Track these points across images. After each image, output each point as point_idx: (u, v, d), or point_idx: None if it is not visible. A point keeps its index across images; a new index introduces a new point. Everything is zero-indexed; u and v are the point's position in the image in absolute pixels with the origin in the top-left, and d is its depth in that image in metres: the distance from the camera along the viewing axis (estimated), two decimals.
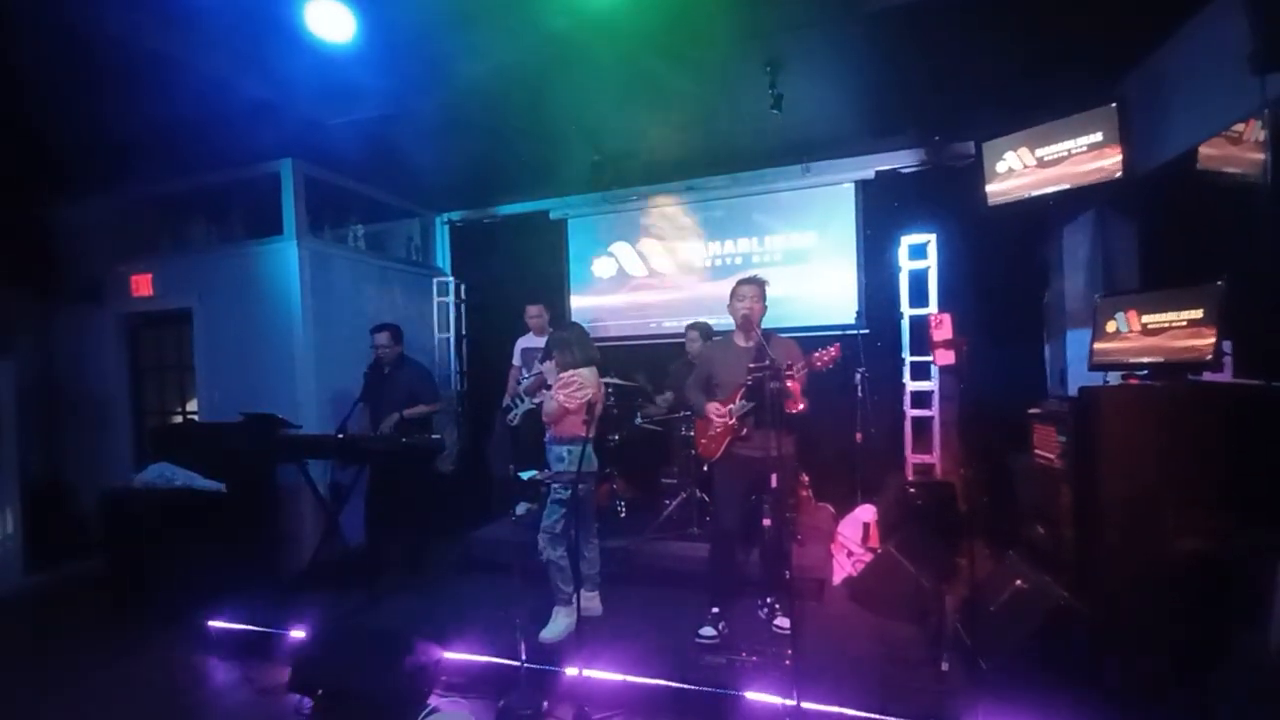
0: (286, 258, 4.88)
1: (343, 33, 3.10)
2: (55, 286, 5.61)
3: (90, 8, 2.98)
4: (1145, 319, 3.00)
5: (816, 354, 2.99)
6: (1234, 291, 2.69)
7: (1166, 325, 2.90)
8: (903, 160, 5.05)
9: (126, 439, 5.69)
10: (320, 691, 2.76)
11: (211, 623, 3.62)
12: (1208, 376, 2.76)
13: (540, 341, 5.01)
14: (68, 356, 5.76)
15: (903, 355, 4.93)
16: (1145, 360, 2.98)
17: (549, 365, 3.44)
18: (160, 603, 3.84)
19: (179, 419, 5.77)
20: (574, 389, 3.29)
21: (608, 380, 4.56)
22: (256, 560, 4.33)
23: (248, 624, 3.56)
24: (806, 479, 4.75)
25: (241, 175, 5.03)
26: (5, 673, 3.33)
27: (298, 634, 3.36)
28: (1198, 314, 2.78)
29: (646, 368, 5.23)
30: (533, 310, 5.08)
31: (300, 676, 2.82)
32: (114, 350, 5.69)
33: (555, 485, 3.28)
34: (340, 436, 3.92)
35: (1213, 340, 2.70)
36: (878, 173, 5.12)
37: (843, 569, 4.06)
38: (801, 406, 3.02)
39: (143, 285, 5.48)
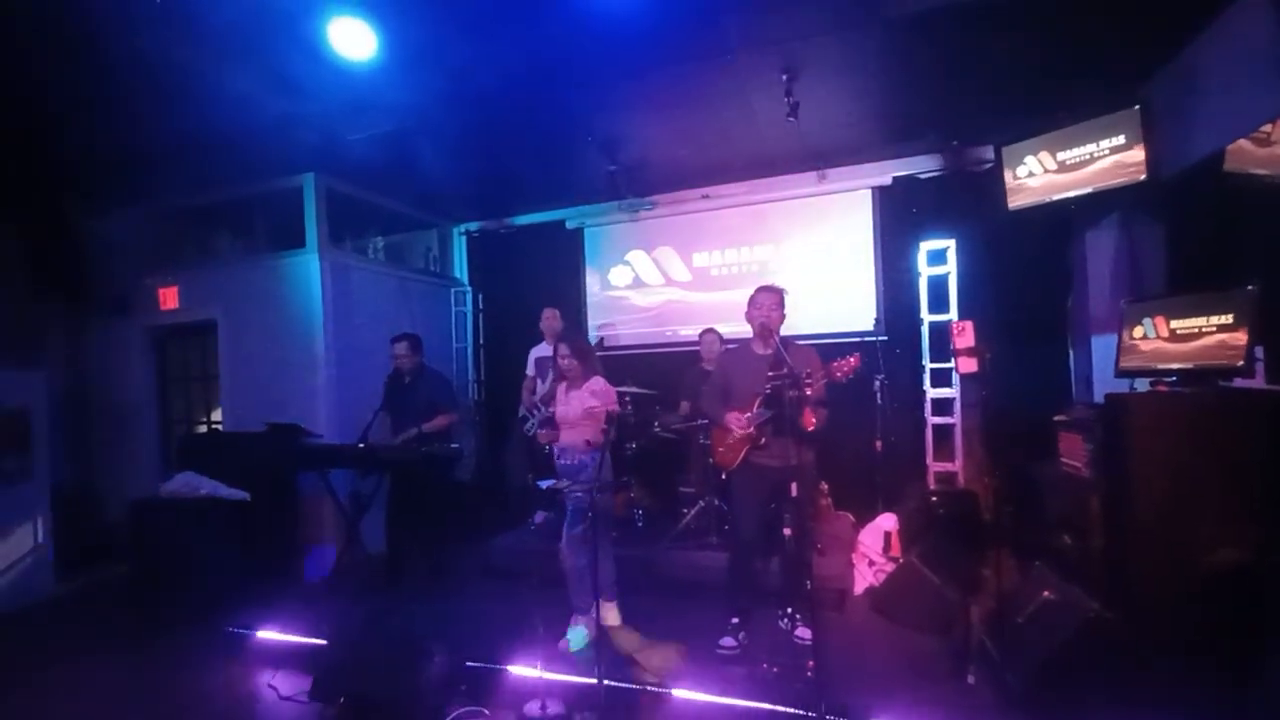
0: (309, 270, 4.97)
1: (365, 49, 3.17)
2: (85, 299, 5.74)
3: (119, 25, 3.05)
4: (1174, 324, 2.95)
5: (835, 364, 2.96)
6: (1266, 296, 2.64)
7: (1196, 331, 2.84)
8: (921, 166, 5.01)
9: (153, 448, 5.81)
10: (342, 699, 2.78)
11: (235, 629, 3.67)
12: (1239, 383, 2.70)
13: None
14: (97, 367, 5.89)
15: (923, 362, 4.88)
16: (1174, 366, 2.92)
17: (570, 364, 3.39)
18: (185, 609, 3.89)
19: (204, 429, 5.87)
20: (611, 394, 3.37)
21: (626, 389, 4.57)
22: (279, 568, 4.39)
23: (270, 631, 3.60)
24: (826, 487, 4.70)
25: (265, 189, 5.13)
26: (35, 676, 3.38)
27: (319, 641, 3.39)
28: (1228, 319, 2.72)
29: (662, 376, 5.23)
30: (549, 313, 5.11)
31: (322, 684, 2.85)
32: (141, 361, 5.81)
33: (578, 492, 3.26)
34: (361, 446, 3.97)
35: (1244, 346, 2.64)
36: (895, 179, 5.09)
37: (864, 579, 4.01)
38: (814, 422, 2.96)
39: (169, 298, 5.61)
